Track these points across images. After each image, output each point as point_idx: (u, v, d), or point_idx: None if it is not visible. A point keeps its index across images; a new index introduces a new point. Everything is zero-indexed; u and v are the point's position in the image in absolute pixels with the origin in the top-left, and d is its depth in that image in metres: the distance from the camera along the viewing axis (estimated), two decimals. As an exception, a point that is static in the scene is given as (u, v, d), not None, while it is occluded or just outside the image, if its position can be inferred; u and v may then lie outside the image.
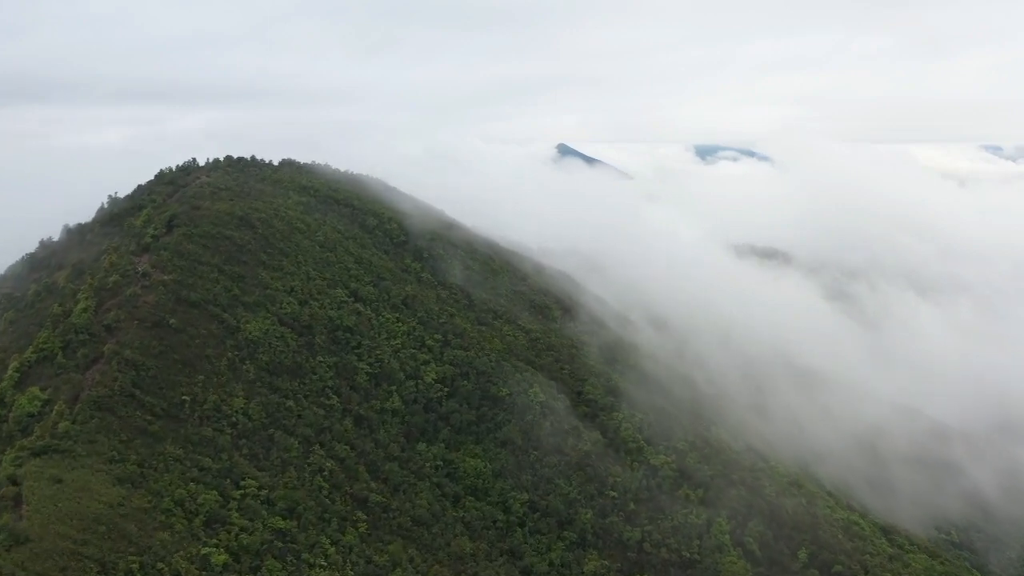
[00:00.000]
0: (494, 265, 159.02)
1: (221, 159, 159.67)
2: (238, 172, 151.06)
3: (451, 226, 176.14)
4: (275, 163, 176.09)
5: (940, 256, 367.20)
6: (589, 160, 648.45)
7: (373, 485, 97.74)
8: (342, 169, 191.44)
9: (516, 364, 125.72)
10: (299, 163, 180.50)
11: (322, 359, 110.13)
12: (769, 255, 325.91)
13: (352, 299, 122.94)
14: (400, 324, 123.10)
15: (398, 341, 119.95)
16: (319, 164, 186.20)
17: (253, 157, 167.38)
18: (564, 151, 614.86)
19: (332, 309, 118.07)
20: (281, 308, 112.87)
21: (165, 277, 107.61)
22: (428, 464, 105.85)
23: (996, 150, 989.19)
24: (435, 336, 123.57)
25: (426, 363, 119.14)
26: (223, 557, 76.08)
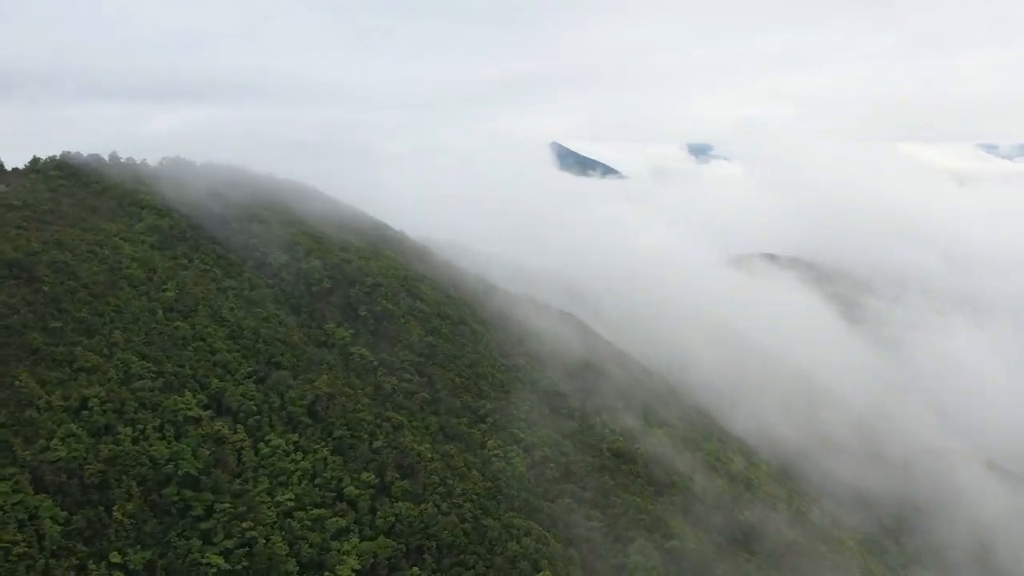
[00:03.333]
0: (476, 318, 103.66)
1: (57, 157, 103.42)
2: (67, 179, 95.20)
3: (413, 256, 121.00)
4: (159, 164, 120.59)
5: (948, 263, 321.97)
6: (583, 160, 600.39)
7: None
8: (268, 174, 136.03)
9: (513, 522, 70.61)
10: (195, 164, 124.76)
11: (120, 557, 54.76)
12: (773, 263, 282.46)
13: (210, 413, 67.37)
14: (298, 458, 67.63)
15: (291, 494, 64.56)
16: (228, 166, 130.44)
17: (115, 155, 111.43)
18: (558, 151, 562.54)
19: (161, 440, 62.55)
20: (47, 451, 57.19)
21: None
22: None
23: (992, 148, 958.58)
24: (363, 477, 68.14)
25: (343, 535, 63.88)
26: None
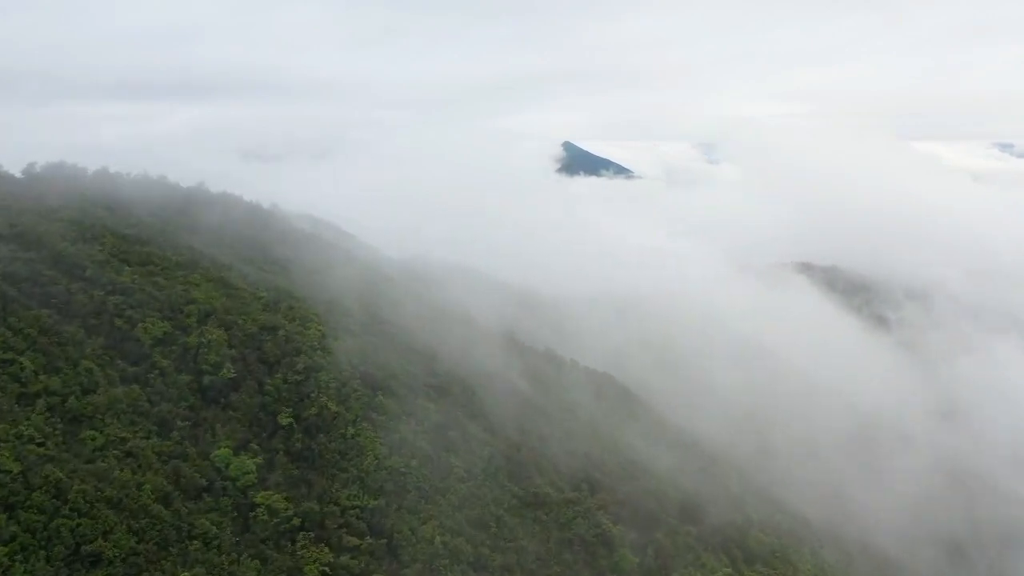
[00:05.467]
0: (474, 409, 68.15)
1: None
2: None
3: (394, 303, 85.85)
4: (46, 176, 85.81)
5: (975, 272, 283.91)
6: (595, 160, 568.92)
7: None
8: (198, 184, 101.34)
9: None
10: (85, 173, 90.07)
11: None
12: (791, 272, 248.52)
13: None
14: None
15: None
16: (137, 177, 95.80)
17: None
18: (570, 150, 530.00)
19: None
20: None
21: None
22: None
23: (1007, 147, 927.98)
24: None
25: None
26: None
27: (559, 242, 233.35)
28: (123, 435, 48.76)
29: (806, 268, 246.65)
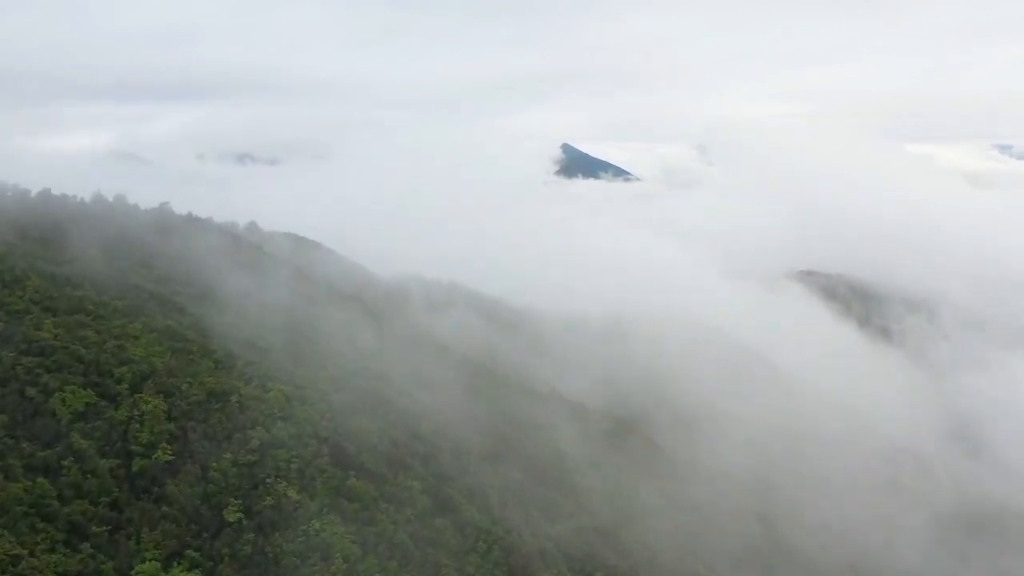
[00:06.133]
0: (471, 485, 57.85)
1: None
2: None
3: (374, 338, 75.42)
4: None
5: (980, 281, 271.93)
6: (593, 162, 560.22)
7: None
8: (161, 206, 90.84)
9: None
10: (23, 194, 79.60)
11: None
12: (792, 281, 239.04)
13: None
14: None
15: None
16: (77, 202, 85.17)
17: None
18: (568, 152, 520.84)
19: None
20: None
21: None
22: None
23: (1006, 148, 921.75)
24: None
25: None
26: None
27: (555, 253, 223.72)
28: (17, 551, 38.21)
29: (807, 276, 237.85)
